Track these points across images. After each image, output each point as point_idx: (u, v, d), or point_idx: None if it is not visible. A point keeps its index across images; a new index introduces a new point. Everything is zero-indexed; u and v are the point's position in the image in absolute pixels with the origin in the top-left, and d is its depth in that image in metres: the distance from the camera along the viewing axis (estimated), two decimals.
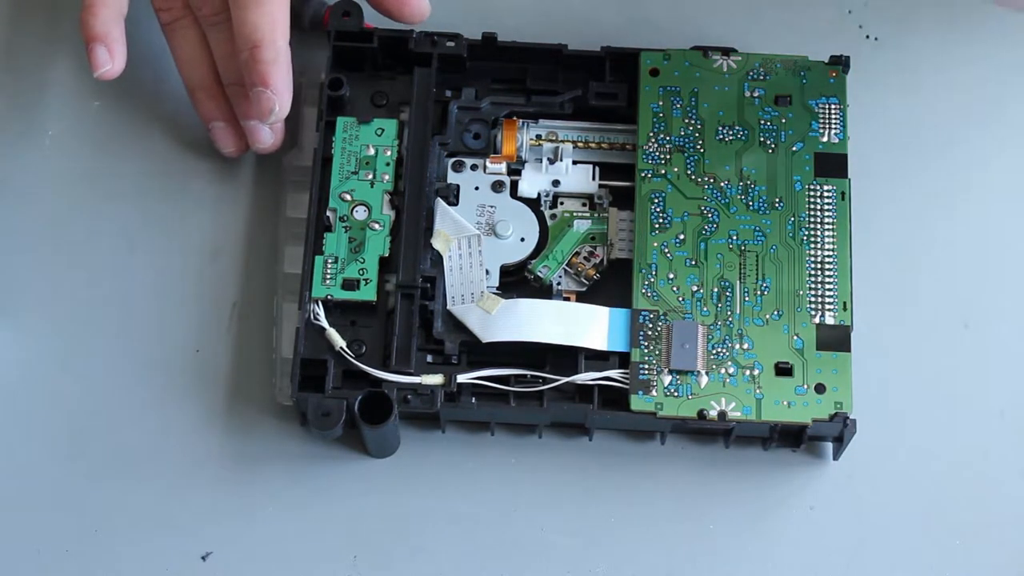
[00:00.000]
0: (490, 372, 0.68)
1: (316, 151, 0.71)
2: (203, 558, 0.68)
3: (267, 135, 0.71)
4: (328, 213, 0.70)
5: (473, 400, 0.68)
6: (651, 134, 0.71)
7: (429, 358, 0.69)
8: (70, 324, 0.71)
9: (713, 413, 0.67)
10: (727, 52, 0.72)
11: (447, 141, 0.72)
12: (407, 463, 0.69)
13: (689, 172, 0.70)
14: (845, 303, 0.69)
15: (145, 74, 0.75)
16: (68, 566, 0.68)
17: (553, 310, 0.68)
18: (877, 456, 0.70)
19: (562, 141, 0.72)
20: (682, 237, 0.69)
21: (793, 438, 0.69)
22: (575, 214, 0.71)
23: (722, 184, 0.70)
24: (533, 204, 0.71)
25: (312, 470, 0.69)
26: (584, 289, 0.71)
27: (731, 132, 0.71)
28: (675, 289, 0.69)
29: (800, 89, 0.72)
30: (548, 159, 0.72)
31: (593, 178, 0.71)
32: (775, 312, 0.68)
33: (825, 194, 0.70)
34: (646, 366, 0.68)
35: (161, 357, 0.71)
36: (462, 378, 0.68)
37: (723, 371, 0.67)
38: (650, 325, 0.68)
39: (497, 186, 0.71)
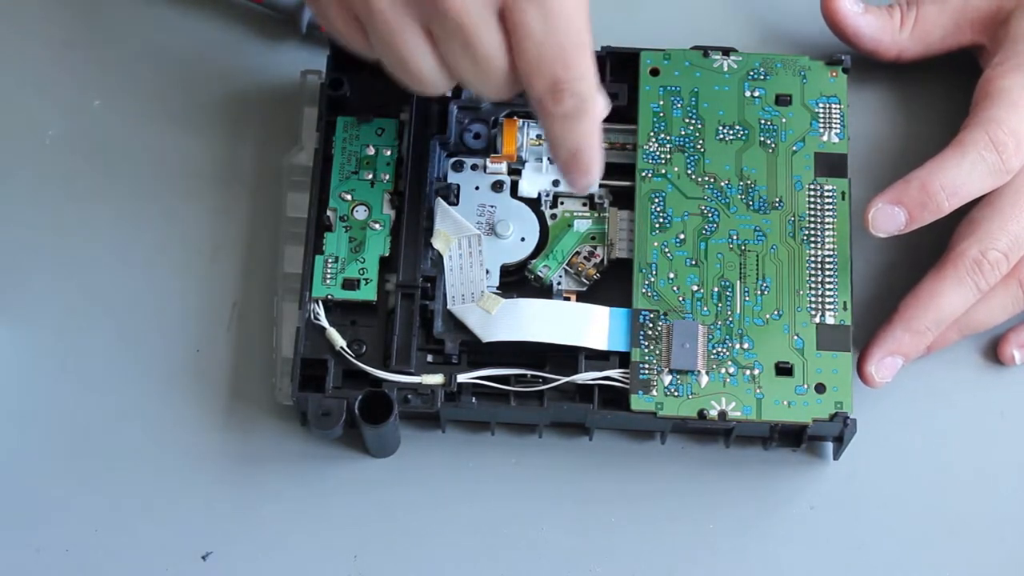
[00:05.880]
0: (490, 372, 0.68)
1: (316, 151, 0.71)
2: (203, 558, 0.68)
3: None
4: (328, 213, 0.70)
5: (473, 400, 0.68)
6: (651, 134, 0.71)
7: (429, 358, 0.69)
8: (70, 324, 0.71)
9: (713, 413, 0.67)
10: (727, 52, 0.72)
11: (447, 141, 0.72)
12: (407, 463, 0.69)
13: (689, 172, 0.71)
14: (845, 303, 0.69)
15: (145, 74, 0.75)
16: (68, 566, 0.68)
17: (553, 310, 0.68)
18: (877, 456, 0.70)
19: None
20: (682, 237, 0.70)
21: (793, 438, 0.69)
22: (575, 214, 0.71)
23: (722, 184, 0.70)
24: (533, 204, 0.71)
25: (312, 470, 0.69)
26: (584, 289, 0.71)
27: (731, 132, 0.71)
28: (675, 289, 0.69)
29: (800, 89, 0.72)
30: (548, 159, 0.72)
31: None
32: (775, 312, 0.68)
33: (825, 194, 0.70)
34: (646, 366, 0.68)
35: (161, 357, 0.71)
36: (462, 378, 0.68)
37: (723, 371, 0.67)
38: (650, 325, 0.68)
39: (497, 186, 0.71)
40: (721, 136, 0.71)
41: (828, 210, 0.70)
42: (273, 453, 0.69)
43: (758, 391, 0.67)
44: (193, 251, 0.72)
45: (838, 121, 0.71)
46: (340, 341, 0.68)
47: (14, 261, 0.72)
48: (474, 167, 0.72)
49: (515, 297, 0.69)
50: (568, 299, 0.70)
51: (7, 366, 0.70)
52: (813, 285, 0.69)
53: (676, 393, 0.67)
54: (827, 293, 0.69)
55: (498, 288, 0.70)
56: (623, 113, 0.72)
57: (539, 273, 0.70)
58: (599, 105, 0.62)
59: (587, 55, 0.61)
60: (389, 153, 0.71)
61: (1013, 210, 0.68)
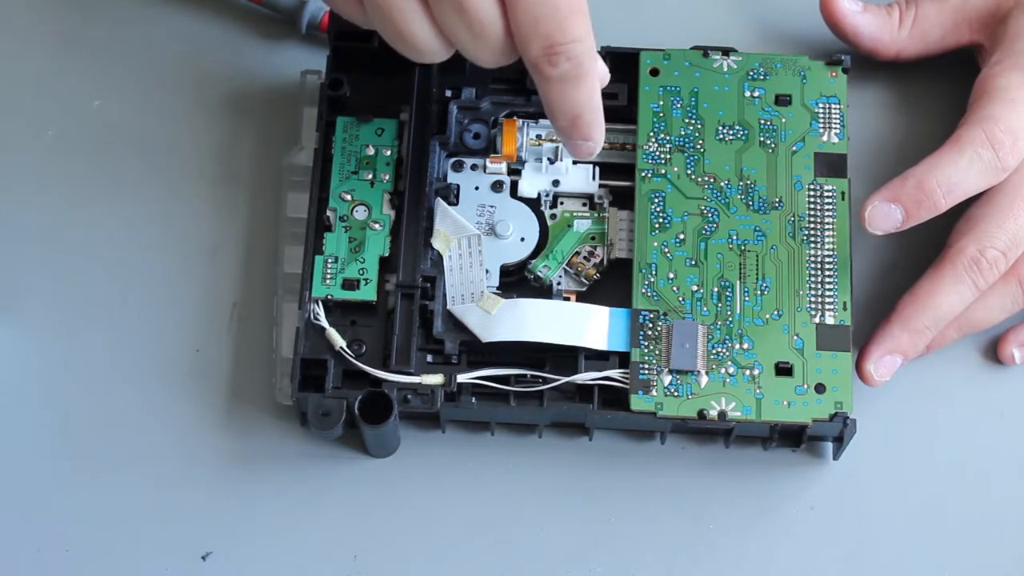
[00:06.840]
0: (490, 372, 0.68)
1: (316, 151, 0.71)
2: (203, 558, 0.68)
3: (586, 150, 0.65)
4: (328, 213, 0.70)
5: (473, 400, 0.68)
6: (651, 134, 0.71)
7: (429, 358, 0.69)
8: (70, 324, 0.71)
9: (713, 413, 0.67)
10: (727, 52, 0.72)
11: (447, 141, 0.72)
12: (407, 463, 0.69)
13: (689, 172, 0.71)
14: (845, 303, 0.69)
15: (145, 74, 0.75)
16: (68, 566, 0.68)
17: (553, 310, 0.68)
18: (877, 456, 0.70)
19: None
20: (682, 237, 0.70)
21: (793, 438, 0.69)
22: (575, 214, 0.71)
23: (722, 184, 0.70)
24: (533, 204, 0.71)
25: (312, 470, 0.69)
26: (584, 289, 0.71)
27: (731, 132, 0.71)
28: (675, 289, 0.69)
29: (800, 89, 0.72)
30: (548, 159, 0.72)
31: (593, 178, 0.71)
32: (775, 312, 0.68)
33: (825, 194, 0.70)
34: (646, 366, 0.68)
35: (161, 357, 0.71)
36: (462, 378, 0.68)
37: (723, 371, 0.68)
38: (650, 325, 0.68)
39: (497, 186, 0.71)
40: (721, 136, 0.71)
41: (828, 210, 0.70)
42: (273, 453, 0.69)
43: (758, 391, 0.67)
44: (193, 251, 0.72)
45: (838, 121, 0.71)
46: (340, 341, 0.68)
47: (14, 261, 0.72)
48: (474, 167, 0.72)
49: (515, 297, 0.69)
50: (568, 299, 0.70)
51: (7, 366, 0.71)
52: (813, 285, 0.69)
53: (676, 393, 0.67)
54: (827, 293, 0.69)
55: (498, 288, 0.70)
56: (623, 113, 0.72)
57: (539, 273, 0.70)
58: (597, 69, 0.62)
59: (583, 19, 0.60)
60: (389, 153, 0.71)
61: (1011, 208, 0.68)
